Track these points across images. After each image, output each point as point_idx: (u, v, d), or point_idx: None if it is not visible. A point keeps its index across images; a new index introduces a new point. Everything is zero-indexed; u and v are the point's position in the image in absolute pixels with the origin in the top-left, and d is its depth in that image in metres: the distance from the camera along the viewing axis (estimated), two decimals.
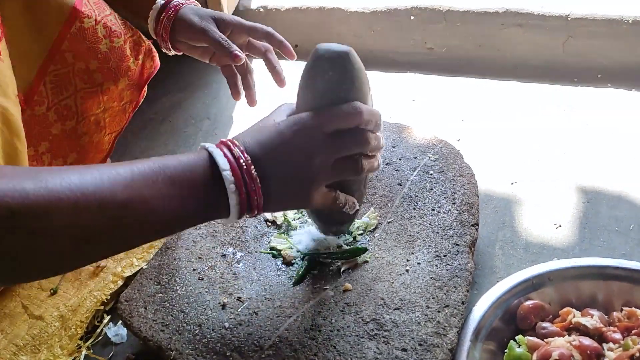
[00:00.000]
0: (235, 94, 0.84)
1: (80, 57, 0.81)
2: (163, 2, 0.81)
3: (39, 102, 0.78)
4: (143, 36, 0.87)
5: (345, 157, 0.58)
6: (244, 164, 0.52)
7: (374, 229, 0.75)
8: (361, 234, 0.75)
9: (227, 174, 0.51)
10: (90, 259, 0.49)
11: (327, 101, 0.57)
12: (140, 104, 0.94)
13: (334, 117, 0.56)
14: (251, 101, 0.83)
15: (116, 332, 0.75)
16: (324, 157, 0.56)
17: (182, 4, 0.81)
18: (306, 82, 0.60)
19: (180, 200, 0.50)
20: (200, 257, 0.74)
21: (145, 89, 0.93)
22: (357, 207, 0.64)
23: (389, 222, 0.75)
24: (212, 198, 0.52)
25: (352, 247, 0.73)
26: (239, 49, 0.77)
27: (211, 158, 0.52)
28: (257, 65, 1.31)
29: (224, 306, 0.66)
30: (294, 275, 0.71)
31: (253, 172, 0.53)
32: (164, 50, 0.85)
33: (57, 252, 0.44)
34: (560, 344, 0.60)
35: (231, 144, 0.54)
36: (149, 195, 0.48)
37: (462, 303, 0.64)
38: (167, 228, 0.52)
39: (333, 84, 0.58)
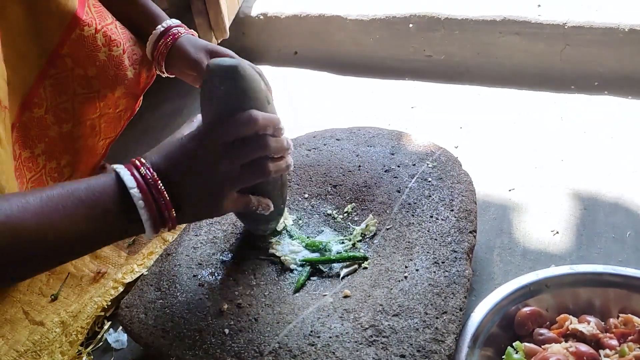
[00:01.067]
0: None
1: (79, 63, 0.82)
2: (162, 29, 0.84)
3: (38, 105, 0.79)
4: (142, 46, 0.89)
5: (251, 162, 0.61)
6: (150, 180, 0.55)
7: (373, 236, 0.76)
8: (360, 241, 0.76)
9: (134, 191, 0.54)
10: (6, 281, 0.53)
11: (225, 113, 0.61)
12: (135, 113, 0.95)
13: (231, 127, 0.59)
14: None
15: (117, 338, 0.75)
16: (227, 164, 0.59)
17: (181, 34, 0.84)
18: (203, 97, 0.64)
19: (93, 220, 0.53)
20: (200, 264, 0.74)
21: (141, 98, 0.94)
22: (271, 208, 0.67)
23: (387, 229, 0.75)
24: (124, 216, 0.55)
25: (351, 254, 0.73)
26: None
27: (119, 178, 0.55)
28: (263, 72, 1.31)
29: (224, 312, 0.67)
30: (294, 282, 0.71)
31: (160, 186, 0.56)
32: (157, 72, 0.89)
33: None
34: (557, 350, 0.60)
35: (138, 162, 0.57)
36: (59, 219, 0.52)
37: (460, 309, 0.65)
38: (86, 247, 0.56)
39: (226, 97, 0.61)
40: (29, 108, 0.78)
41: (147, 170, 0.56)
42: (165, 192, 0.56)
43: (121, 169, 0.56)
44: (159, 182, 0.56)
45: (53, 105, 0.81)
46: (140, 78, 0.91)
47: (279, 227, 0.79)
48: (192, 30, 0.87)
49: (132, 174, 0.55)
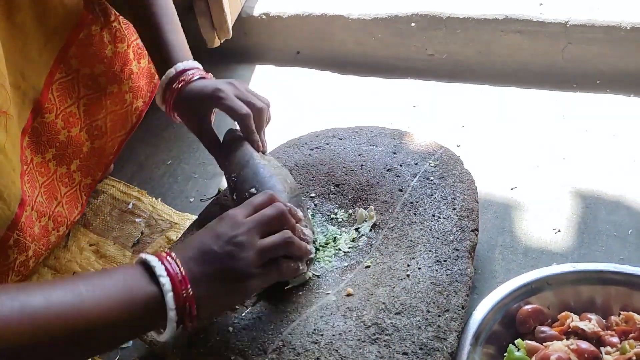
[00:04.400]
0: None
1: (86, 62, 0.82)
2: (174, 72, 0.76)
3: (49, 110, 0.79)
4: None
5: (270, 261, 0.60)
6: (184, 294, 0.53)
7: (374, 226, 0.76)
8: (361, 227, 0.77)
9: (172, 314, 0.53)
10: None
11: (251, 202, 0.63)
12: (147, 108, 0.95)
13: (259, 224, 0.59)
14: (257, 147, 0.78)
15: None
16: (251, 268, 0.57)
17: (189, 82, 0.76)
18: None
19: (125, 329, 0.52)
20: None
21: (149, 101, 0.94)
22: (303, 270, 0.65)
23: (390, 228, 0.76)
24: (150, 319, 0.54)
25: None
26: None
27: (156, 287, 0.53)
28: (266, 72, 1.32)
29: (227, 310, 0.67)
30: (298, 280, 0.72)
31: (190, 295, 0.54)
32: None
33: None
34: (558, 347, 0.61)
35: (178, 282, 0.54)
36: (95, 322, 0.50)
37: (462, 307, 0.65)
38: (107, 347, 0.55)
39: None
40: (40, 113, 0.78)
41: (183, 280, 0.54)
42: (194, 303, 0.54)
43: (166, 286, 0.53)
44: (191, 294, 0.54)
45: (62, 110, 0.82)
46: (146, 72, 0.92)
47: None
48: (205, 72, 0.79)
49: (175, 291, 0.53)
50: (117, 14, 0.85)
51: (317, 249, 0.75)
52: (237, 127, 0.78)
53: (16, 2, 0.70)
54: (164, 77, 0.76)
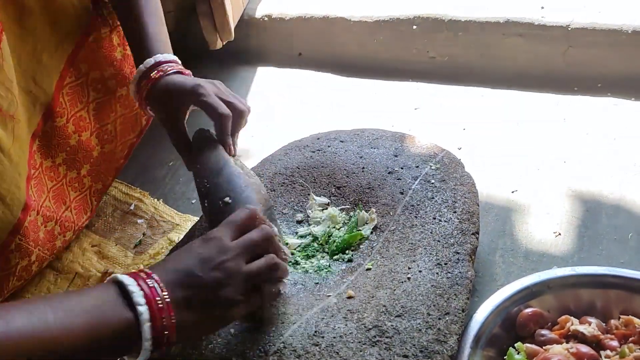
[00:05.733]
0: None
1: (95, 65, 0.82)
2: (150, 64, 0.75)
3: (60, 114, 0.79)
4: None
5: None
6: (166, 333, 0.51)
7: (375, 229, 0.77)
8: (362, 229, 0.77)
9: (147, 344, 0.50)
10: None
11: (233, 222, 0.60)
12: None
13: (243, 247, 0.57)
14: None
15: None
16: (232, 292, 0.55)
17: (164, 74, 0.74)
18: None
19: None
20: None
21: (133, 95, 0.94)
22: (283, 289, 0.62)
23: (391, 230, 0.76)
24: (125, 342, 0.50)
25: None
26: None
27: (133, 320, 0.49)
28: (268, 74, 1.32)
29: None
30: (299, 282, 0.72)
31: (172, 339, 0.51)
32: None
33: None
34: (558, 351, 0.61)
35: (158, 309, 0.50)
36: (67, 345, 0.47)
37: (463, 310, 0.65)
38: None
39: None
40: (52, 118, 0.78)
41: (165, 307, 0.50)
42: (174, 331, 0.51)
43: (144, 318, 0.49)
44: (172, 322, 0.51)
45: (72, 114, 0.82)
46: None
47: None
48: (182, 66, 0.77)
49: (153, 320, 0.49)
50: None
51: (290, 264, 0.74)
52: (209, 128, 0.75)
53: (27, 6, 0.70)
54: (141, 65, 0.74)
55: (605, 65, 1.15)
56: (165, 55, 0.75)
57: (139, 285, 0.50)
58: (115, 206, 0.99)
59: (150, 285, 0.51)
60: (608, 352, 0.61)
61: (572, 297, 0.69)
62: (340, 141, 0.91)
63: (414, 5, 1.27)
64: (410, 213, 0.77)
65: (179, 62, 0.77)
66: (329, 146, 0.90)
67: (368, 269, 0.72)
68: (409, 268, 0.70)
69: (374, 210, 0.79)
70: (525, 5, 1.20)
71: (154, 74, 0.73)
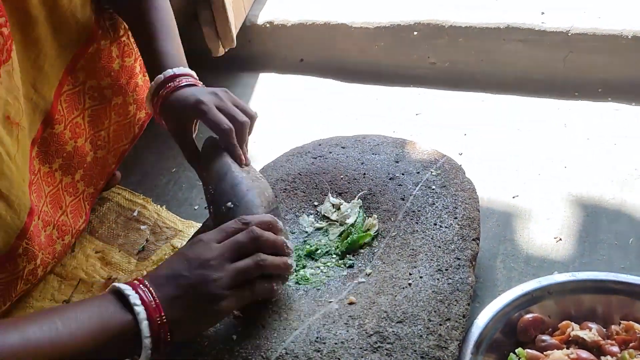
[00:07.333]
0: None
1: (93, 75, 0.84)
2: (163, 78, 0.76)
3: (59, 121, 0.80)
4: None
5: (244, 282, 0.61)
6: (162, 332, 0.56)
7: (377, 235, 0.77)
8: (365, 235, 0.77)
9: (147, 341, 0.55)
10: None
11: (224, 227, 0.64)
12: (149, 118, 0.96)
13: (229, 249, 0.60)
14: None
15: None
16: (221, 290, 0.58)
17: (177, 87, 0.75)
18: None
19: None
20: None
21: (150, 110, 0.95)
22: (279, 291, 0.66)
23: (392, 236, 0.77)
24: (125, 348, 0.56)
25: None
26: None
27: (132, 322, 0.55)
28: (270, 80, 1.33)
29: (232, 319, 0.68)
30: (301, 289, 0.72)
31: (167, 338, 0.56)
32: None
33: None
34: (558, 356, 0.61)
35: (153, 310, 0.55)
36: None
37: (464, 316, 0.66)
38: None
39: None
40: (50, 124, 0.79)
41: (157, 307, 0.56)
42: (168, 332, 0.56)
43: (143, 324, 0.55)
44: (165, 320, 0.56)
45: (69, 120, 0.83)
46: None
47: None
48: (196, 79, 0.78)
49: (150, 319, 0.55)
50: (127, 27, 0.86)
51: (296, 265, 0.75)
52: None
53: (33, 15, 0.71)
54: (152, 82, 0.77)
55: (605, 71, 1.15)
56: (175, 69, 0.76)
57: (134, 289, 0.56)
58: (118, 212, 1.00)
59: (144, 288, 0.57)
60: (608, 357, 0.62)
61: (572, 303, 0.69)
62: (342, 147, 0.92)
63: (414, 11, 1.28)
64: (411, 219, 0.78)
65: (192, 73, 0.78)
66: (330, 152, 0.91)
67: (369, 275, 0.73)
68: (410, 274, 0.70)
69: (375, 216, 0.79)
70: (525, 11, 1.21)
71: (162, 91, 0.76)
